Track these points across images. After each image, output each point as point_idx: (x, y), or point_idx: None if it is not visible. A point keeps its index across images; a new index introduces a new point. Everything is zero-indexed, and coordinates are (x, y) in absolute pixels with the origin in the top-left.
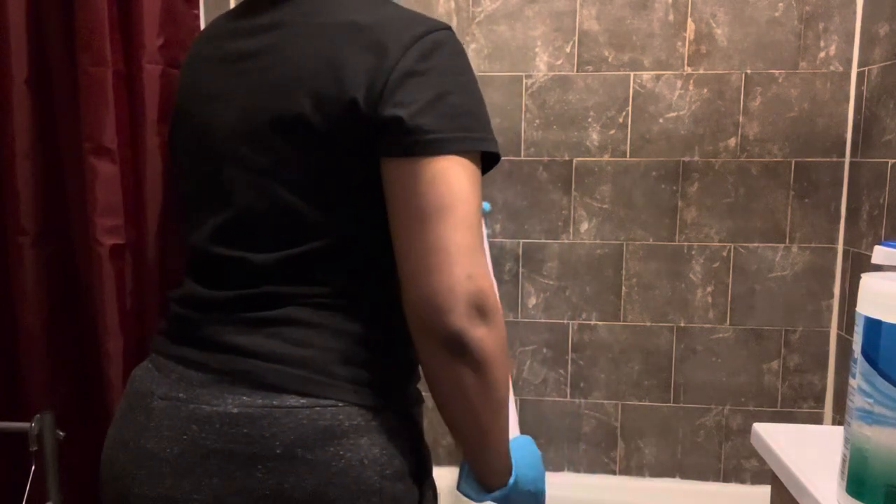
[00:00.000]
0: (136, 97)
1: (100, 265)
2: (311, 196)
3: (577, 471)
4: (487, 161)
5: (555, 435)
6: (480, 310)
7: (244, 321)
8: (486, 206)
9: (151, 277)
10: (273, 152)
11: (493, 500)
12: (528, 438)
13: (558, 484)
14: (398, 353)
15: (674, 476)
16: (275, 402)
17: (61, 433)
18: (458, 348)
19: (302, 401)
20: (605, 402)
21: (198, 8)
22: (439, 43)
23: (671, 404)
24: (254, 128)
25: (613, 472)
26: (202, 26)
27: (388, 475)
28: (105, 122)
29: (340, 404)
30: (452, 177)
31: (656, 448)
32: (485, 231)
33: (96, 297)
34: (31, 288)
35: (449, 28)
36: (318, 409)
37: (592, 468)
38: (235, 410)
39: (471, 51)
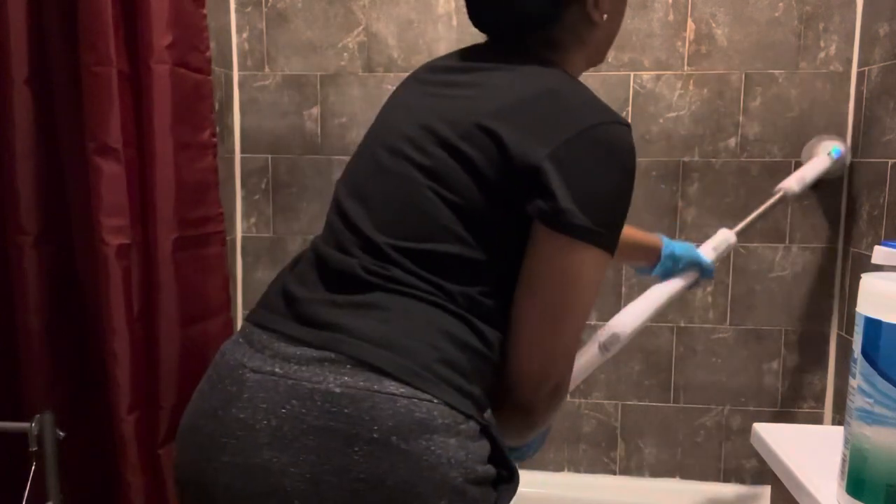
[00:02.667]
0: (144, 97)
1: (105, 265)
2: (456, 208)
3: (577, 471)
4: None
5: (555, 435)
6: (556, 391)
7: (356, 304)
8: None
9: (160, 278)
10: (433, 159)
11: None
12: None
13: (558, 484)
14: (493, 373)
15: (674, 476)
16: (376, 387)
17: (61, 433)
18: (524, 411)
19: (402, 389)
20: (605, 402)
21: (205, 7)
22: (614, 137)
23: (671, 404)
24: (420, 132)
25: (613, 472)
26: (208, 26)
27: (471, 479)
28: (110, 122)
29: (436, 401)
30: (585, 268)
31: (656, 448)
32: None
33: (102, 297)
34: (32, 288)
35: (628, 126)
36: (416, 400)
37: (592, 468)
38: (338, 390)
39: None
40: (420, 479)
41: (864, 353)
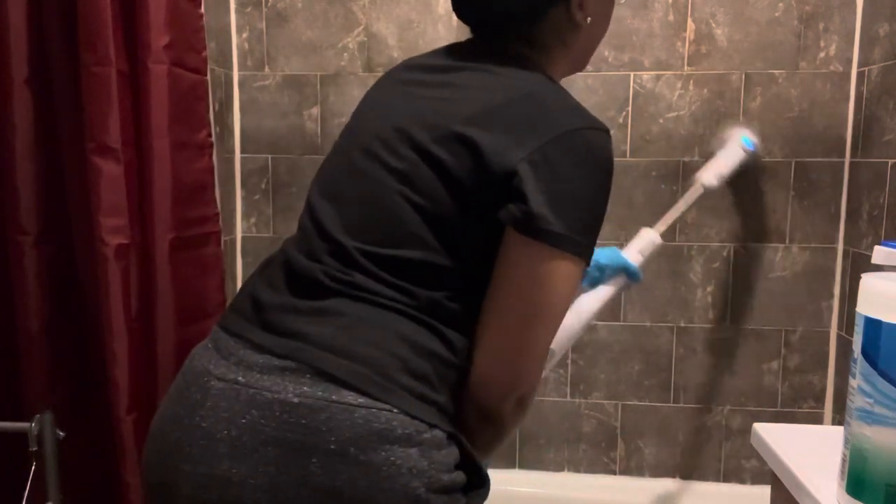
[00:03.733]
0: (141, 97)
1: (105, 265)
2: (426, 213)
3: (577, 471)
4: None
5: (555, 435)
6: (522, 402)
7: (317, 310)
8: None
9: (158, 278)
10: (407, 163)
11: None
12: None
13: (558, 484)
14: (460, 379)
15: (674, 476)
16: (333, 397)
17: (61, 433)
18: (489, 417)
19: (360, 399)
20: (605, 402)
21: (201, 7)
22: (591, 144)
23: (671, 404)
24: (394, 134)
25: (613, 472)
26: (207, 26)
27: (434, 488)
28: (109, 122)
29: (395, 411)
30: (557, 278)
31: (656, 448)
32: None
33: (101, 298)
34: (32, 288)
35: (607, 131)
36: (374, 410)
37: (592, 468)
38: (296, 400)
39: None
40: (379, 490)
41: (864, 353)
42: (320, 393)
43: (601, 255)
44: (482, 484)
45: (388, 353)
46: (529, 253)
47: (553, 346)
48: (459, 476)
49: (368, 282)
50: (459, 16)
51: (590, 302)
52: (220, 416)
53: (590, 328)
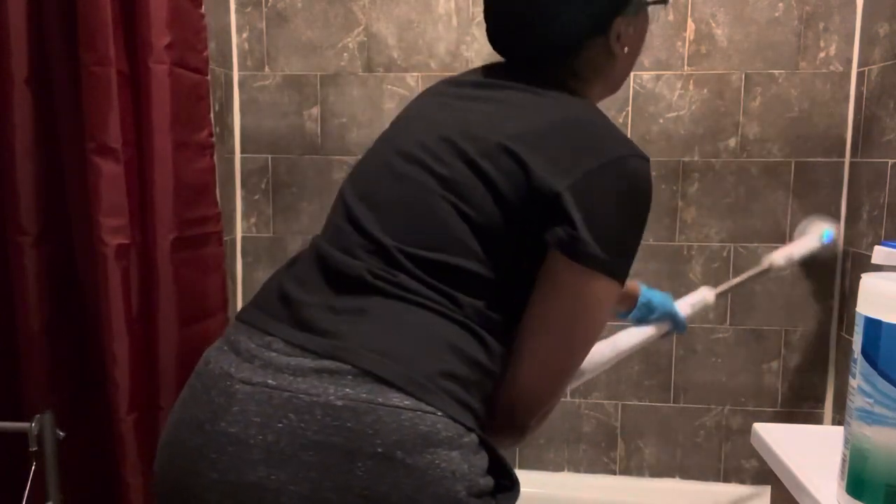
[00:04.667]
0: (143, 97)
1: (104, 265)
2: (472, 222)
3: (577, 471)
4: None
5: (555, 435)
6: (544, 418)
7: (357, 309)
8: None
9: (159, 278)
10: (453, 171)
11: None
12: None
13: (558, 484)
14: (492, 388)
15: (674, 476)
16: (379, 399)
17: (61, 433)
18: (515, 427)
19: (406, 401)
20: (605, 402)
21: (202, 7)
22: (636, 171)
23: (671, 404)
24: (438, 142)
25: (613, 472)
26: (207, 26)
27: (474, 492)
28: (109, 122)
29: (440, 414)
30: (596, 302)
31: (656, 448)
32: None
33: (101, 298)
34: (32, 288)
35: (648, 160)
36: (420, 413)
37: (592, 468)
38: (339, 403)
39: (471, 51)
40: (424, 494)
41: (864, 353)
42: (365, 395)
43: (655, 296)
44: (512, 486)
45: (432, 355)
46: (573, 274)
47: (583, 365)
48: (491, 480)
49: (412, 283)
50: (497, 48)
51: (630, 337)
52: (250, 419)
53: None
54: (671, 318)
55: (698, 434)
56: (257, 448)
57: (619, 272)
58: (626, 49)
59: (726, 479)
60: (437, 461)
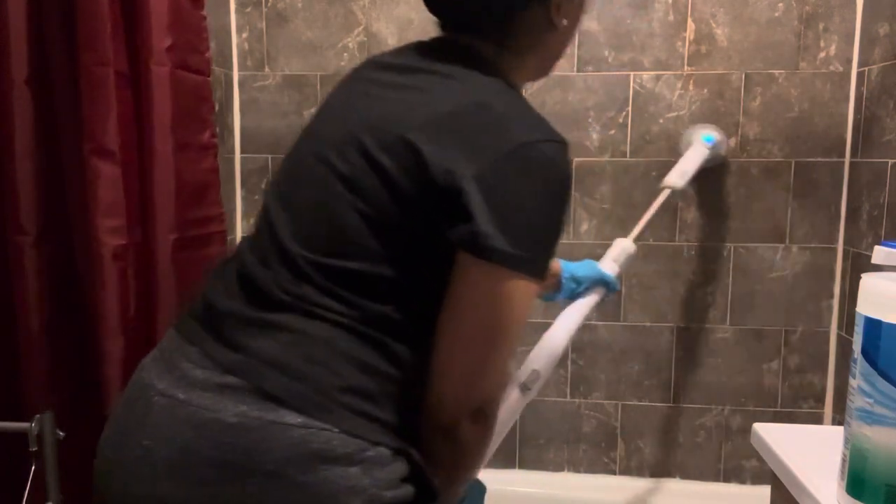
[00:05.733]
0: (143, 99)
1: (101, 265)
2: (371, 221)
3: (577, 471)
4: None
5: (555, 435)
6: (479, 416)
7: (265, 324)
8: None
9: (160, 279)
10: (353, 169)
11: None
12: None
13: (558, 484)
14: (408, 395)
15: (674, 476)
16: (271, 417)
17: (61, 433)
18: (446, 435)
19: (299, 419)
20: (605, 402)
21: (203, 9)
22: (546, 158)
23: (671, 404)
24: (338, 139)
25: (613, 472)
26: (209, 27)
27: None
28: (107, 123)
29: (336, 430)
30: (507, 298)
31: (656, 448)
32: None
33: (98, 298)
34: (32, 288)
35: (563, 143)
36: (313, 430)
37: (592, 468)
38: (233, 420)
39: None
40: None
41: (864, 353)
42: (258, 413)
43: (577, 267)
44: (432, 499)
45: (331, 372)
46: (480, 273)
47: (537, 366)
48: (406, 491)
49: (317, 295)
50: (432, 10)
51: (571, 316)
52: (161, 434)
53: (589, 328)
54: (601, 281)
55: (698, 434)
56: (162, 463)
57: (533, 269)
58: (564, 21)
59: (726, 479)
60: (330, 477)
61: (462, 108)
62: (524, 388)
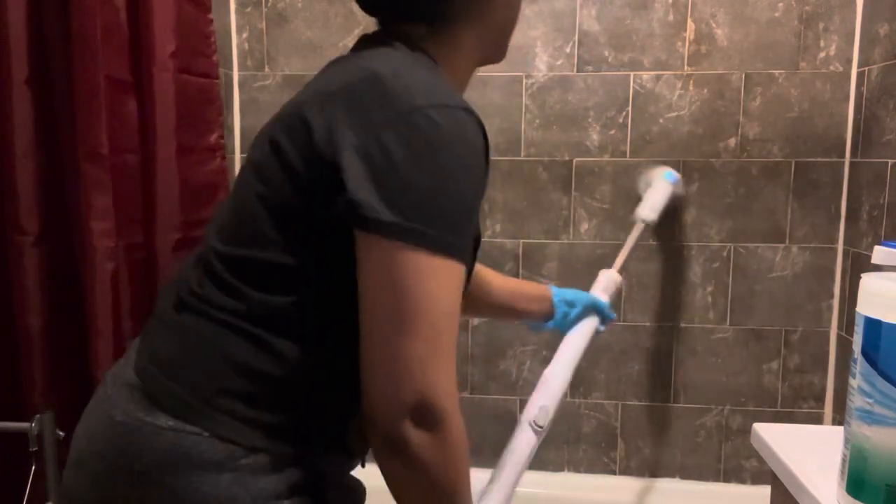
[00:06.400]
0: (146, 104)
1: (93, 267)
2: (268, 204)
3: (577, 471)
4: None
5: (555, 435)
6: (425, 418)
7: (167, 324)
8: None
9: (160, 279)
10: (264, 157)
11: None
12: None
13: (558, 484)
14: (296, 396)
15: (674, 476)
16: (148, 418)
17: (61, 433)
18: (394, 448)
19: (170, 422)
20: (605, 402)
21: (210, 13)
22: (435, 124)
23: (671, 404)
24: (265, 132)
25: (613, 472)
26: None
27: None
28: (97, 129)
29: (206, 435)
30: (412, 277)
31: (656, 448)
32: None
33: (89, 299)
34: (31, 288)
35: (463, 109)
36: (182, 433)
37: (592, 468)
38: (119, 418)
39: None
40: None
41: (864, 353)
42: (139, 413)
43: (568, 291)
44: None
45: (208, 374)
46: (370, 248)
47: (545, 401)
48: (292, 502)
49: (213, 292)
50: (363, 7)
51: (573, 346)
52: (84, 425)
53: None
54: (594, 308)
55: (698, 434)
56: (74, 453)
57: (436, 243)
58: None
59: (726, 479)
60: (195, 484)
61: (354, 80)
62: (535, 426)
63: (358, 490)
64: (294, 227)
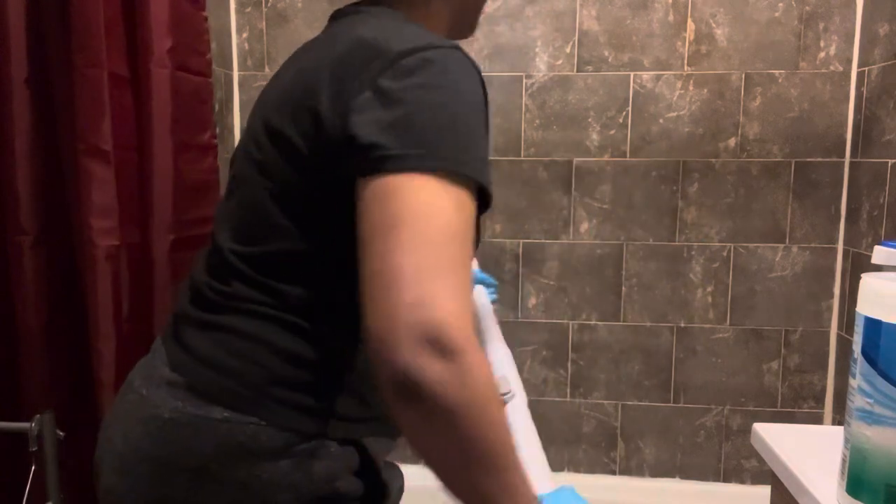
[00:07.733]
0: (143, 100)
1: (94, 266)
2: (285, 201)
3: (577, 471)
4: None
5: (555, 435)
6: (434, 343)
7: (202, 323)
8: None
9: (157, 279)
10: (263, 153)
11: None
12: (569, 491)
13: (558, 484)
14: (342, 380)
15: (674, 476)
16: (201, 412)
17: (61, 433)
18: (405, 391)
19: (225, 414)
20: (605, 402)
21: (205, 10)
22: (427, 61)
23: (671, 404)
24: (256, 129)
25: (613, 472)
26: (209, 28)
27: (307, 499)
28: (100, 124)
29: (263, 423)
30: (408, 193)
31: (656, 448)
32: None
33: (90, 298)
34: (31, 288)
35: (452, 47)
36: (239, 424)
37: (592, 468)
38: (167, 415)
39: (471, 51)
40: None
41: (864, 353)
42: (190, 409)
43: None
44: (384, 495)
45: (257, 365)
46: (375, 192)
47: (499, 372)
48: (350, 485)
49: (243, 289)
50: None
51: (494, 326)
52: (121, 428)
53: (589, 328)
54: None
55: (698, 434)
56: (114, 455)
57: (439, 163)
58: None
59: (726, 479)
60: (256, 472)
61: (343, 51)
62: (504, 399)
63: (398, 470)
64: (301, 209)
